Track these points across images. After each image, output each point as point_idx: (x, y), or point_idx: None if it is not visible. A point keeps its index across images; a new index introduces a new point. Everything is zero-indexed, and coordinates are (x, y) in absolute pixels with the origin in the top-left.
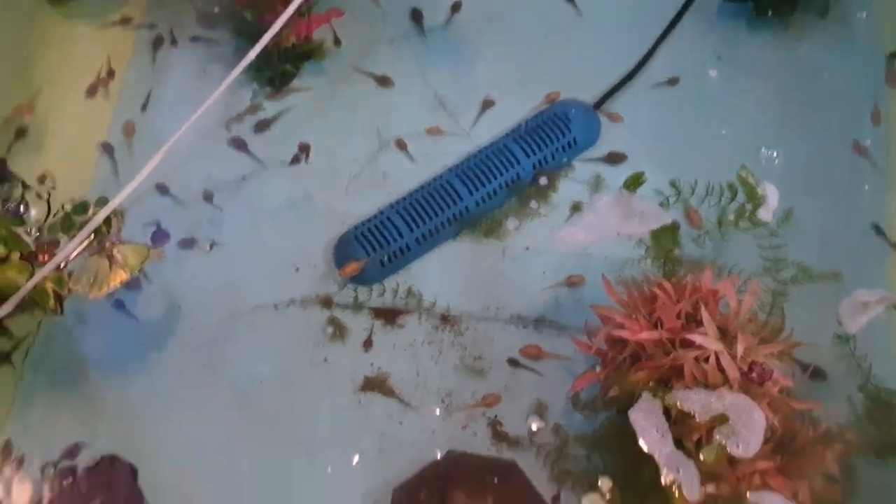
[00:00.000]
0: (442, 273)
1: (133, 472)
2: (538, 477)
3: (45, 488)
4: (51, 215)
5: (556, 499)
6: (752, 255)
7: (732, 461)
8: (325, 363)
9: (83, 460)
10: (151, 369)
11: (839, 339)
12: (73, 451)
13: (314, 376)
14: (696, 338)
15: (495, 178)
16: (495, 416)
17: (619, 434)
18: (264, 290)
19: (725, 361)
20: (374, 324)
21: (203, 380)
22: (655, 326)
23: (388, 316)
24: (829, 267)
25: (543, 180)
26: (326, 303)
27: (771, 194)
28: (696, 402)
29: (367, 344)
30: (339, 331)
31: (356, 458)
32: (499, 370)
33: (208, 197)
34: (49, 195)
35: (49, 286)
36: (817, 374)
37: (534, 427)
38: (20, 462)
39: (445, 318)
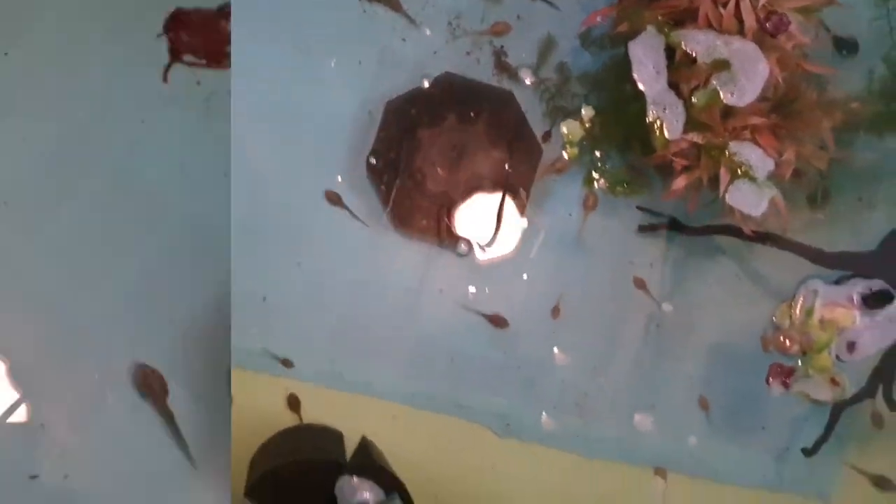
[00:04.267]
0: None
1: None
2: (533, 112)
3: None
4: None
5: (546, 135)
6: None
7: (727, 114)
8: None
9: None
10: None
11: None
12: None
13: None
14: None
15: None
16: (502, 46)
17: (619, 72)
18: None
19: (745, 7)
20: None
21: None
22: None
23: None
24: None
25: None
26: None
27: None
28: (701, 44)
29: None
30: None
31: (355, 66)
32: None
33: None
34: None
35: None
36: (848, 45)
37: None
38: None
39: None
